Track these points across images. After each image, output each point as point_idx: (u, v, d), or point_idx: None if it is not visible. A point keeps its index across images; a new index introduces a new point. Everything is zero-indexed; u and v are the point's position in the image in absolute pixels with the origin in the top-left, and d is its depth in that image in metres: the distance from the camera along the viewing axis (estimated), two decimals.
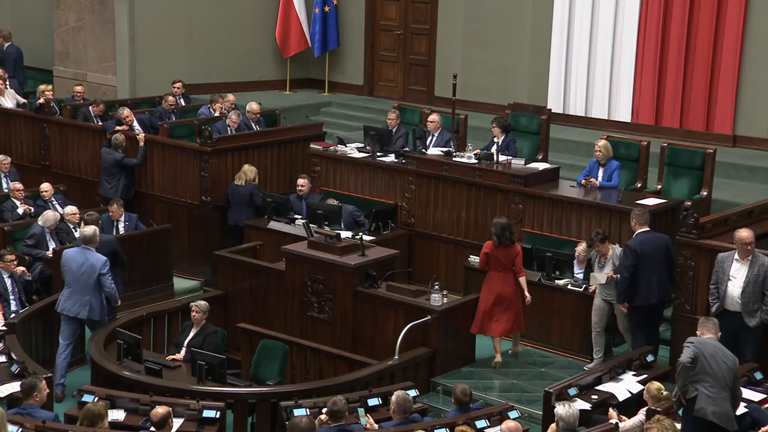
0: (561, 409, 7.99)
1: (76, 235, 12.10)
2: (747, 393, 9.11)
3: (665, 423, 7.70)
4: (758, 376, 9.43)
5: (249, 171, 13.40)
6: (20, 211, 12.88)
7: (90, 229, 10.69)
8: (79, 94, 15.86)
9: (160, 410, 8.22)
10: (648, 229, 10.49)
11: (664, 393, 8.71)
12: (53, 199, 13.27)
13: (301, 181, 13.09)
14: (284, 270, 11.32)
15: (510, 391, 10.23)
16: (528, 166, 12.55)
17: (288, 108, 16.43)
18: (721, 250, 10.11)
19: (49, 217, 12.26)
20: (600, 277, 10.57)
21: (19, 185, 13.21)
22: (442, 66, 16.63)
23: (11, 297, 11.16)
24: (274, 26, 17.70)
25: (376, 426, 8.68)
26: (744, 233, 9.70)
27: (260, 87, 17.77)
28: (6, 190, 13.49)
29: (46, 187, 13.29)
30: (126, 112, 14.31)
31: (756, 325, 9.68)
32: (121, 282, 11.48)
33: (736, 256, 9.75)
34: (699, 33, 14.39)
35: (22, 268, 11.46)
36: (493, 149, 12.64)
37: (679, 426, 8.03)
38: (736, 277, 9.71)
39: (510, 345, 11.29)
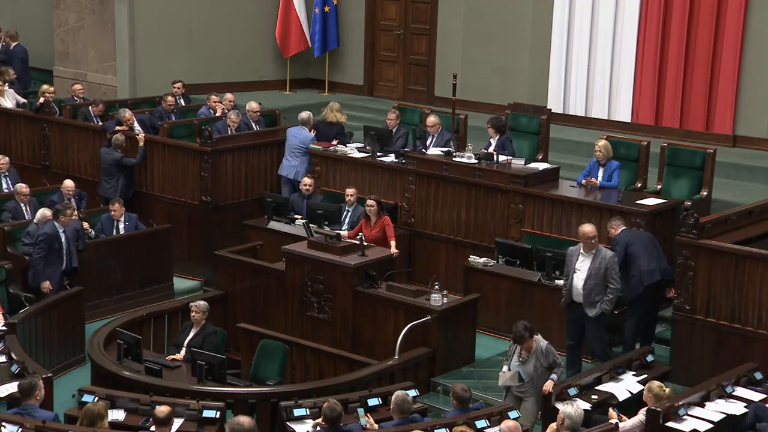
0: (570, 408, 7.99)
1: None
2: (747, 393, 9.12)
3: None
4: (758, 375, 9.43)
5: (333, 108, 14.37)
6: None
7: (306, 114, 14.08)
8: (80, 91, 15.84)
9: (164, 408, 8.24)
10: (626, 227, 10.78)
11: (666, 391, 8.70)
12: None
13: (307, 181, 13.09)
14: (284, 270, 11.32)
15: None
16: (528, 166, 12.55)
17: (288, 108, 16.42)
18: (721, 250, 10.14)
19: (46, 214, 12.26)
20: (512, 377, 9.29)
21: (25, 189, 13.12)
22: (442, 66, 16.63)
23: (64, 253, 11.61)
24: (274, 26, 17.70)
25: (376, 426, 8.68)
26: (587, 228, 10.08)
27: (260, 87, 17.77)
28: (6, 191, 13.48)
29: (69, 184, 13.25)
30: (128, 114, 14.29)
31: (595, 314, 10.04)
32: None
33: (582, 250, 10.12)
34: (699, 33, 14.39)
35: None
36: (490, 149, 12.67)
37: None
38: (581, 269, 10.09)
39: (507, 345, 11.28)
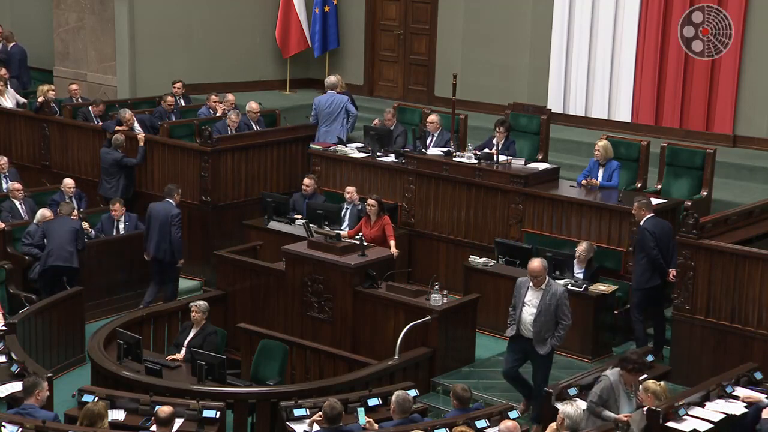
0: (569, 408, 7.98)
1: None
2: (747, 393, 9.11)
3: None
4: (758, 375, 9.43)
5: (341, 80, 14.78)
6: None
7: (332, 78, 14.70)
8: (75, 91, 15.82)
9: (166, 408, 8.24)
10: (653, 214, 10.74)
11: (661, 384, 8.64)
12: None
13: (307, 181, 13.08)
14: (284, 270, 11.32)
15: (510, 391, 10.21)
16: (528, 166, 12.55)
17: (288, 108, 16.43)
18: (721, 250, 10.14)
19: (46, 215, 12.27)
20: (642, 416, 8.37)
21: (17, 185, 13.18)
22: (442, 66, 16.62)
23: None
24: (274, 26, 17.69)
25: (376, 426, 8.68)
26: (535, 264, 9.46)
27: (260, 87, 17.76)
28: (6, 191, 13.49)
29: (69, 182, 13.28)
30: (128, 114, 14.29)
31: (546, 352, 9.51)
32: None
33: (531, 284, 9.56)
34: None
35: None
36: (493, 150, 12.66)
37: None
38: (530, 303, 9.50)
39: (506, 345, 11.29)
